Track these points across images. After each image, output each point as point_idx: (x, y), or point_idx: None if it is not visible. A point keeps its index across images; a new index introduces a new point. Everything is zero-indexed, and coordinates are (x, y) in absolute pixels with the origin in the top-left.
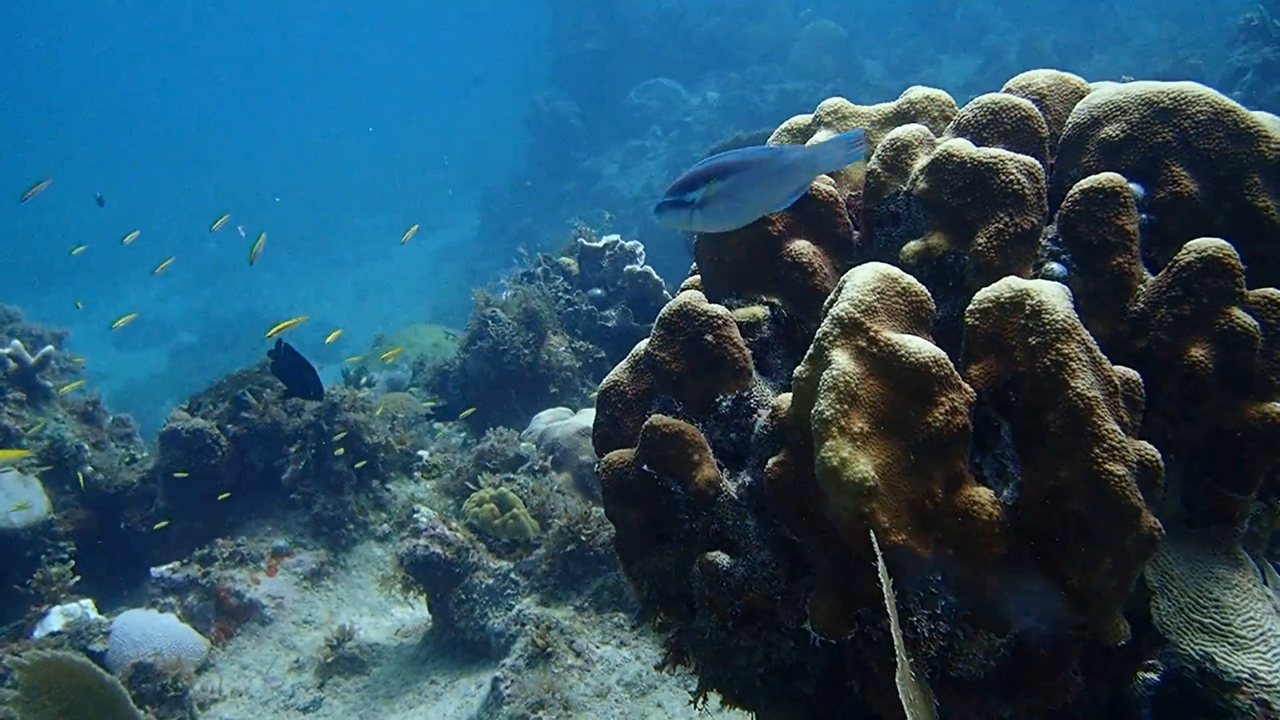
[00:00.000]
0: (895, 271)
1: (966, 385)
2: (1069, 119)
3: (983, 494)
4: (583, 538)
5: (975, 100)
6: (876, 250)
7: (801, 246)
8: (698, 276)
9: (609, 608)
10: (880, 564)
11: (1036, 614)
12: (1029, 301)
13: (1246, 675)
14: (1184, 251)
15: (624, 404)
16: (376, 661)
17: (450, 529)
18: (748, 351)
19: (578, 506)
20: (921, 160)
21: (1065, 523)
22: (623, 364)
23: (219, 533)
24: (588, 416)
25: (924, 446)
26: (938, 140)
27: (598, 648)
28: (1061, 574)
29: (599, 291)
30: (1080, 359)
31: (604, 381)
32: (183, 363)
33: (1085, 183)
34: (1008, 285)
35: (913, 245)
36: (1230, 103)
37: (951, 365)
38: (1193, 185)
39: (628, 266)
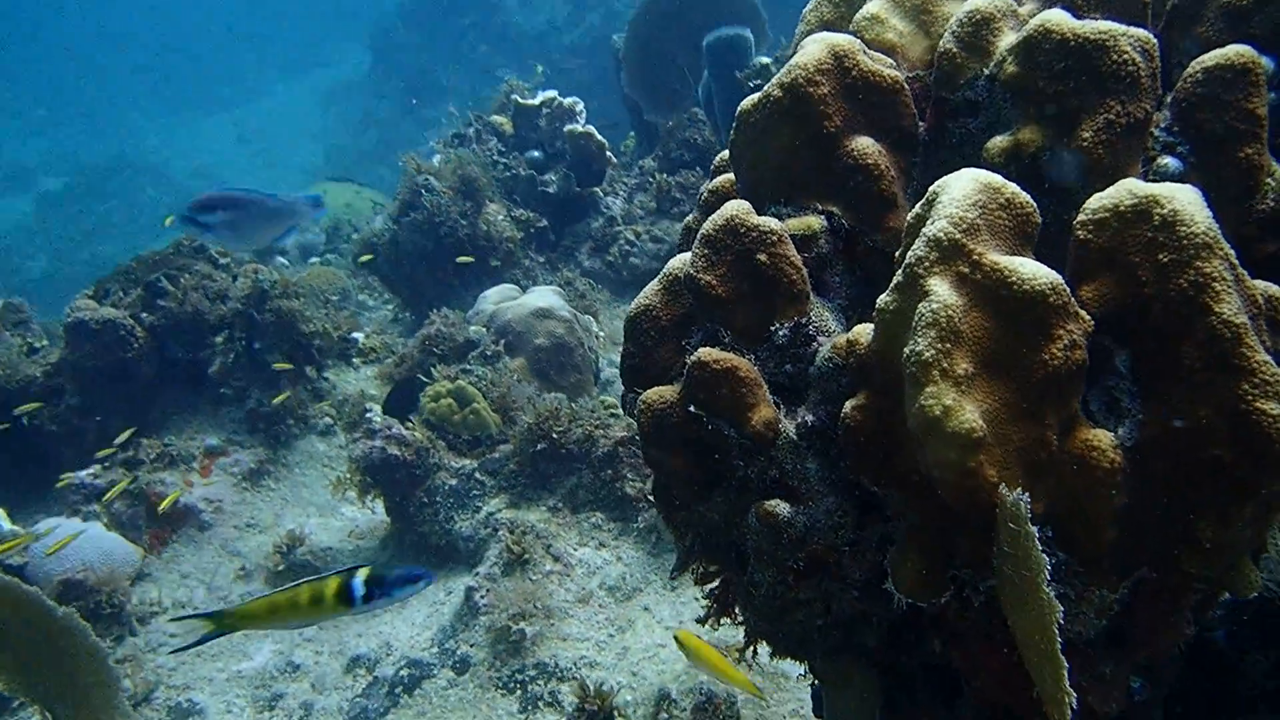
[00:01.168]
0: (997, 179)
1: (1084, 313)
2: None
3: (1102, 438)
4: (554, 435)
5: None
6: (949, 146)
7: (865, 145)
8: (727, 176)
9: (585, 507)
10: (1015, 523)
11: (1159, 567)
12: (1158, 210)
13: None
14: None
15: (658, 331)
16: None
17: (407, 428)
18: (805, 271)
19: (547, 401)
20: (1007, 38)
21: (1202, 469)
22: (653, 285)
23: (142, 433)
24: (539, 295)
25: (1038, 388)
26: (1021, 9)
27: (575, 550)
28: (1193, 525)
29: (537, 154)
30: (1225, 278)
31: (633, 305)
32: (51, 211)
33: (1209, 59)
34: (1129, 191)
35: (999, 141)
36: None
37: (1069, 292)
38: None
39: (567, 126)
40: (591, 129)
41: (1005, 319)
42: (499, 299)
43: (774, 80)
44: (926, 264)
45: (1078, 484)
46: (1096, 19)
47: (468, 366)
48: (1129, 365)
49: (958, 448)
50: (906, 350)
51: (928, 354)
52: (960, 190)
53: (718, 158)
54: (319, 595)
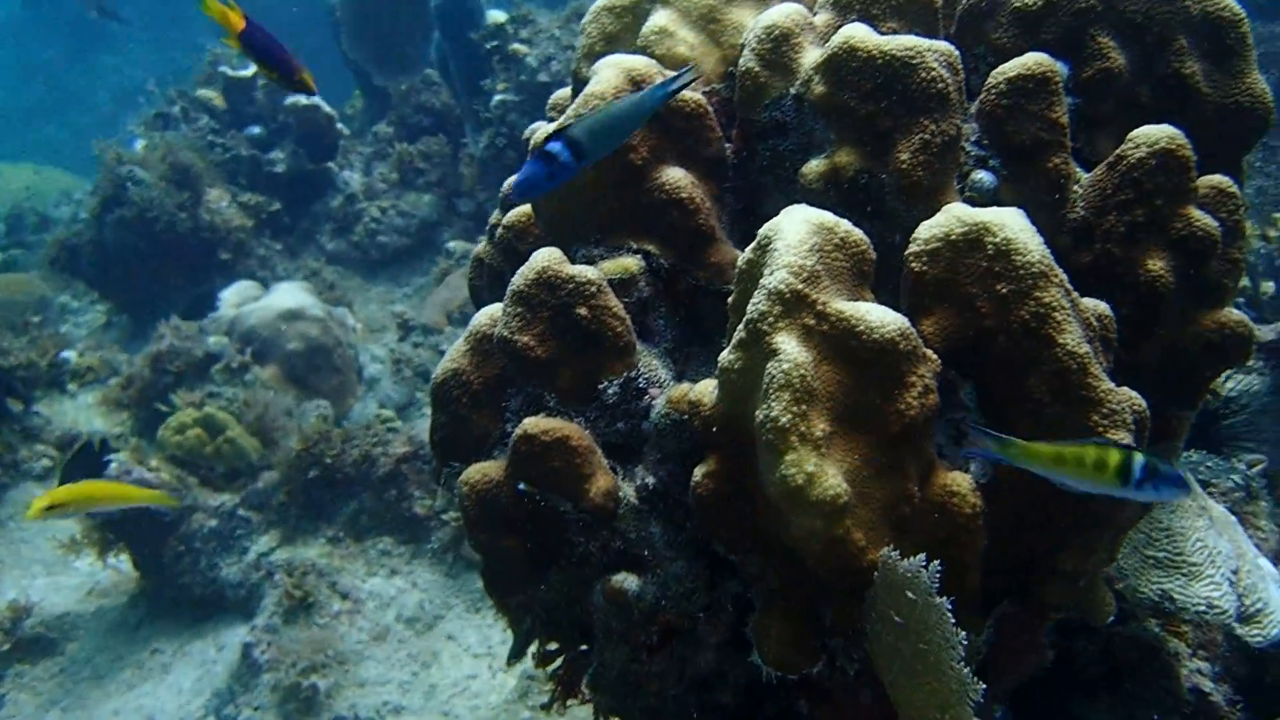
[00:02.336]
0: (829, 218)
1: (931, 353)
2: None
3: (961, 482)
4: (328, 460)
5: None
6: (761, 168)
7: (676, 177)
8: (523, 210)
9: (370, 533)
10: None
11: (1020, 600)
12: (990, 239)
13: (1204, 606)
14: (1130, 145)
15: (470, 398)
16: (71, 636)
17: (150, 468)
18: (629, 321)
19: (314, 422)
20: (810, 54)
21: (1059, 502)
22: (459, 346)
23: None
24: (286, 294)
25: (896, 439)
26: (815, 20)
27: (365, 582)
28: (1053, 558)
29: (257, 130)
30: (1064, 307)
31: (438, 371)
32: None
33: (1010, 70)
34: (958, 219)
35: (816, 165)
36: None
37: (917, 335)
38: (1120, 58)
39: (290, 98)
40: (317, 100)
41: (858, 370)
42: (239, 300)
43: (571, 111)
44: (771, 319)
45: (942, 532)
46: (895, 29)
47: (214, 389)
48: (974, 398)
49: (823, 516)
50: (760, 415)
51: (784, 419)
52: (795, 235)
53: (475, 146)
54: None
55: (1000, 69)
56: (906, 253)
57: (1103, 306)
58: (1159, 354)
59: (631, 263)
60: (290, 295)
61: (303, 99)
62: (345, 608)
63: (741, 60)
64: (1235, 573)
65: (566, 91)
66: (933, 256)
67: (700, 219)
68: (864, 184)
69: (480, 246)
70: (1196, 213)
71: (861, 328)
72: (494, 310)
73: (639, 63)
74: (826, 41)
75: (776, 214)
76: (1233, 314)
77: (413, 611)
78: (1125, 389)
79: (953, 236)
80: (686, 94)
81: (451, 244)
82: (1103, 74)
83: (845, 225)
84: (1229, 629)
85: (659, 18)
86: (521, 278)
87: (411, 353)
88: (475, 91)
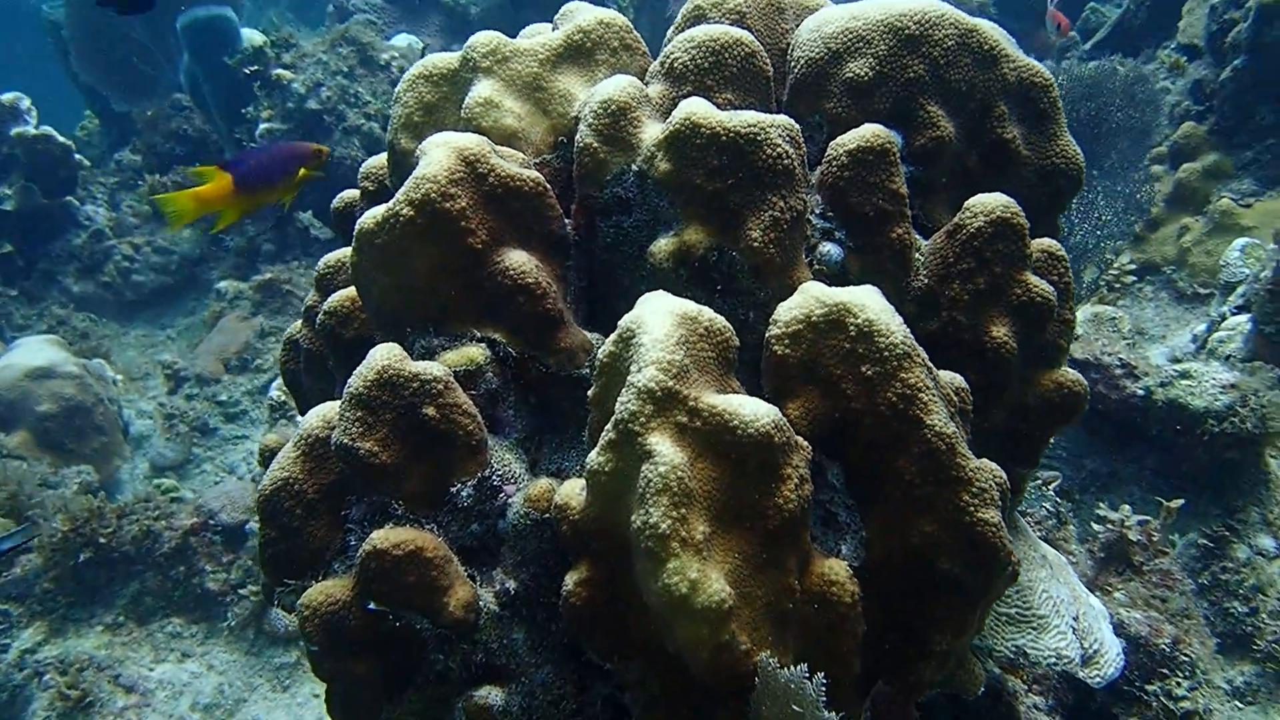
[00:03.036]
0: (692, 308)
1: (803, 441)
2: (798, 52)
3: (838, 570)
4: (101, 539)
5: (685, 36)
6: (606, 246)
7: (519, 261)
8: (347, 294)
9: (156, 615)
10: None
11: (894, 679)
12: (851, 320)
13: (1054, 658)
14: (968, 214)
15: (304, 509)
16: None
17: None
18: (479, 416)
19: (81, 498)
20: (650, 129)
21: (933, 583)
22: (288, 452)
23: None
24: (32, 351)
25: (774, 534)
26: (650, 91)
27: (153, 670)
28: (928, 637)
29: None
30: (929, 388)
31: (265, 481)
32: None
33: (849, 142)
34: (817, 300)
35: (665, 244)
36: (970, 19)
37: (790, 427)
38: (949, 125)
39: (14, 129)
40: (49, 130)
41: (734, 466)
42: None
43: (401, 196)
44: (642, 419)
45: (824, 623)
46: (730, 100)
47: None
48: (843, 479)
49: (709, 623)
50: (637, 521)
51: (663, 525)
52: (660, 328)
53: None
54: None
55: (839, 141)
56: (767, 335)
57: (959, 380)
58: (1005, 417)
59: (476, 352)
60: (37, 351)
61: (30, 129)
62: (131, 702)
63: (579, 136)
64: (1076, 619)
65: (381, 160)
66: (794, 339)
67: (548, 304)
68: (714, 261)
69: (295, 326)
70: (1033, 278)
71: (736, 423)
72: (326, 411)
73: (471, 142)
74: (665, 114)
75: (623, 293)
76: (1068, 373)
77: (211, 698)
78: (985, 461)
79: (813, 318)
80: (524, 172)
81: (222, 284)
82: (934, 142)
83: (708, 314)
84: (1073, 674)
85: (483, 88)
86: (360, 379)
87: (185, 406)
88: (235, 118)
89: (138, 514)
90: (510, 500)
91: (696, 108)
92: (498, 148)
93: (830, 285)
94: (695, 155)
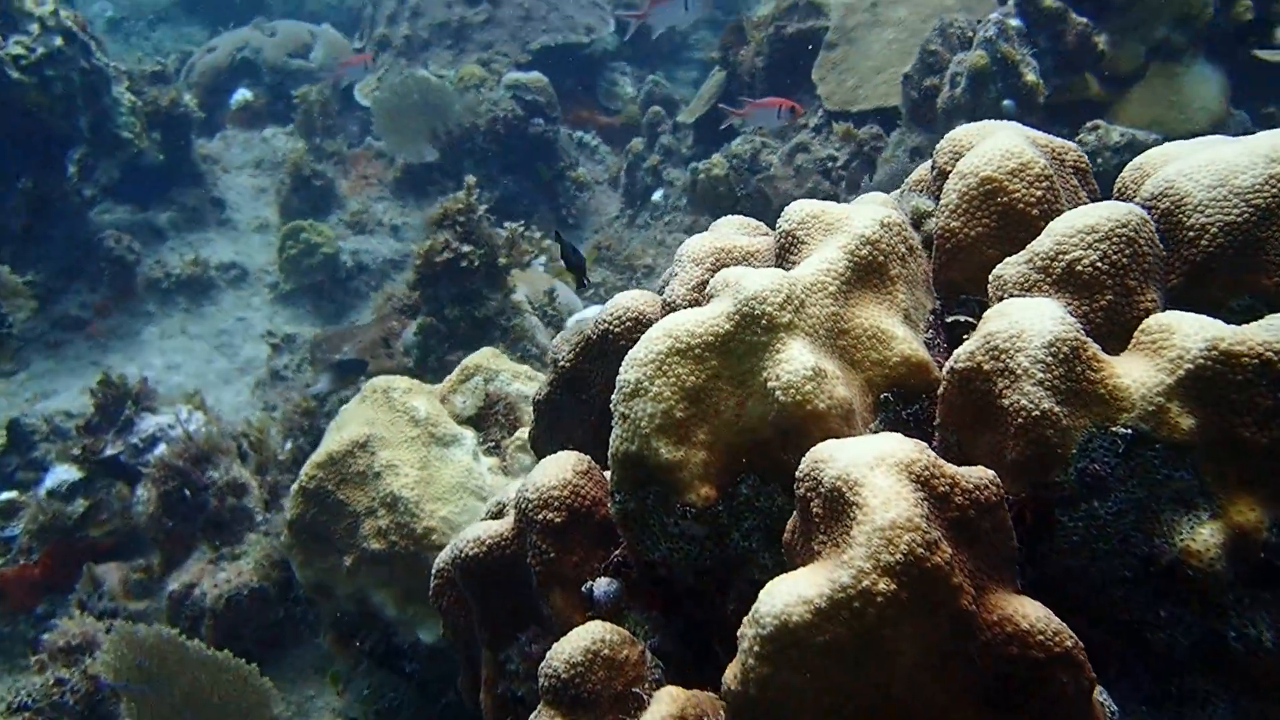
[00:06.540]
0: None
1: None
2: (1195, 218)
3: None
4: None
5: (1079, 228)
6: (1066, 548)
7: (1036, 615)
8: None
9: None
10: None
11: None
12: None
13: None
14: None
15: None
16: None
17: None
18: None
19: None
20: (1133, 370)
21: None
22: None
23: None
24: None
25: None
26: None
27: None
28: None
29: None
30: None
31: None
32: None
33: None
34: None
35: (1206, 534)
36: None
37: None
38: None
39: None
40: None
41: None
42: None
43: (863, 562)
44: None
45: None
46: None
47: None
48: None
49: None
50: None
51: None
52: None
53: None
54: None
55: None
56: None
57: None
58: None
59: None
60: None
61: None
62: None
63: (1016, 399)
64: None
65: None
66: None
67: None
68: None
69: None
70: None
71: None
72: None
73: (906, 450)
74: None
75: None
76: None
77: None
78: None
79: None
80: (980, 473)
81: None
82: None
83: None
84: None
85: (799, 353)
86: None
87: None
88: None
89: None
90: None
91: (1212, 330)
92: (938, 462)
93: None
94: (1237, 398)
